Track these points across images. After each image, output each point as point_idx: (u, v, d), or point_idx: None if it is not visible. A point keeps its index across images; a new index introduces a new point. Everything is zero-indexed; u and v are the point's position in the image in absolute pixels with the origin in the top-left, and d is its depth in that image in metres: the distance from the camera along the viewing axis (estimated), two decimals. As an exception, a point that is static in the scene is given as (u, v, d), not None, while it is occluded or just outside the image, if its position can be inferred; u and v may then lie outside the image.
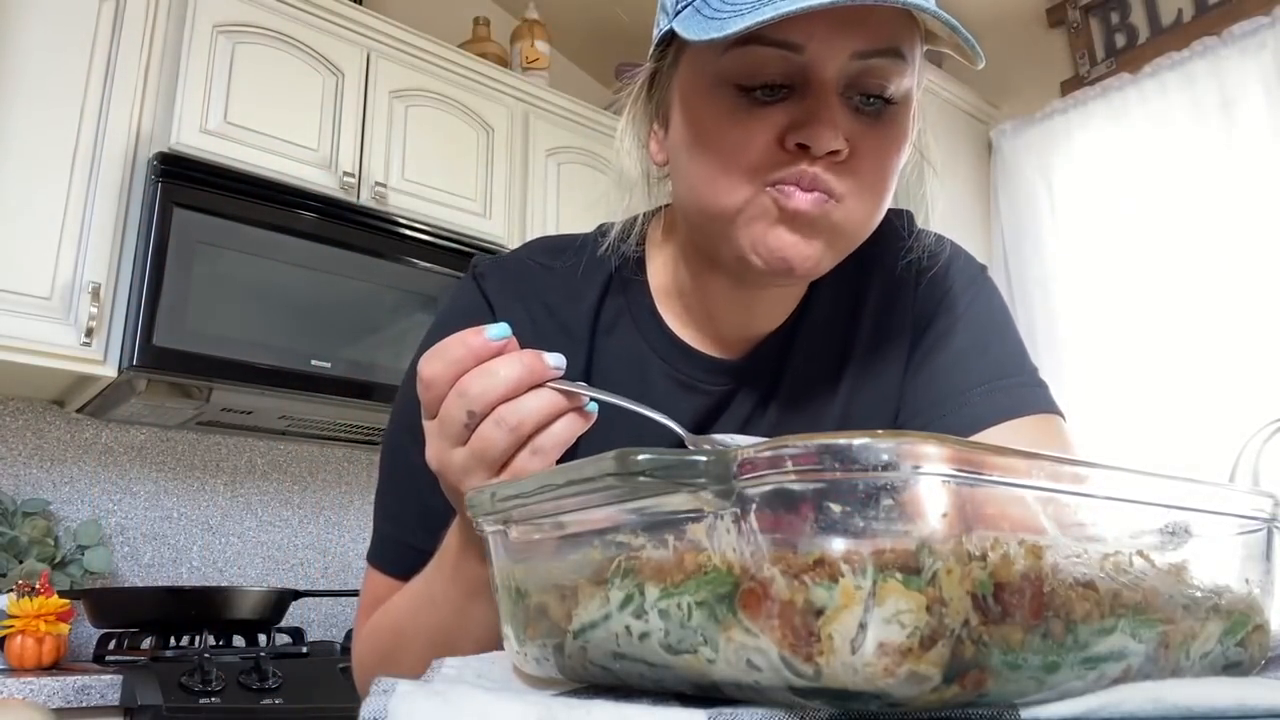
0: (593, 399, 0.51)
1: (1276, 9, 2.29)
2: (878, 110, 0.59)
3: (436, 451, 0.52)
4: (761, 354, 0.72)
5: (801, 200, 0.58)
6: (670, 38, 0.62)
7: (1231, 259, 2.27)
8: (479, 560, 0.57)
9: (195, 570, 2.24)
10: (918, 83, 0.62)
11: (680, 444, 0.68)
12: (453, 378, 0.50)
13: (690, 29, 0.55)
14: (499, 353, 0.50)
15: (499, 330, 0.50)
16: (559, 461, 0.54)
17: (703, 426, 0.71)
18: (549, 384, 0.50)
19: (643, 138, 0.69)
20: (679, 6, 0.59)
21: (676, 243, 0.72)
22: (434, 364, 0.51)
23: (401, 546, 0.71)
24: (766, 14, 0.50)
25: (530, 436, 0.49)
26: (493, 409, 0.49)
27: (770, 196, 0.58)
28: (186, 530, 2.25)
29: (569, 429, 0.50)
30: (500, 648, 0.61)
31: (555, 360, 0.50)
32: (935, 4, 0.56)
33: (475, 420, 0.49)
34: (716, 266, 0.67)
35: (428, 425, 0.53)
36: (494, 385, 0.49)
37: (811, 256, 0.60)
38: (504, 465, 0.50)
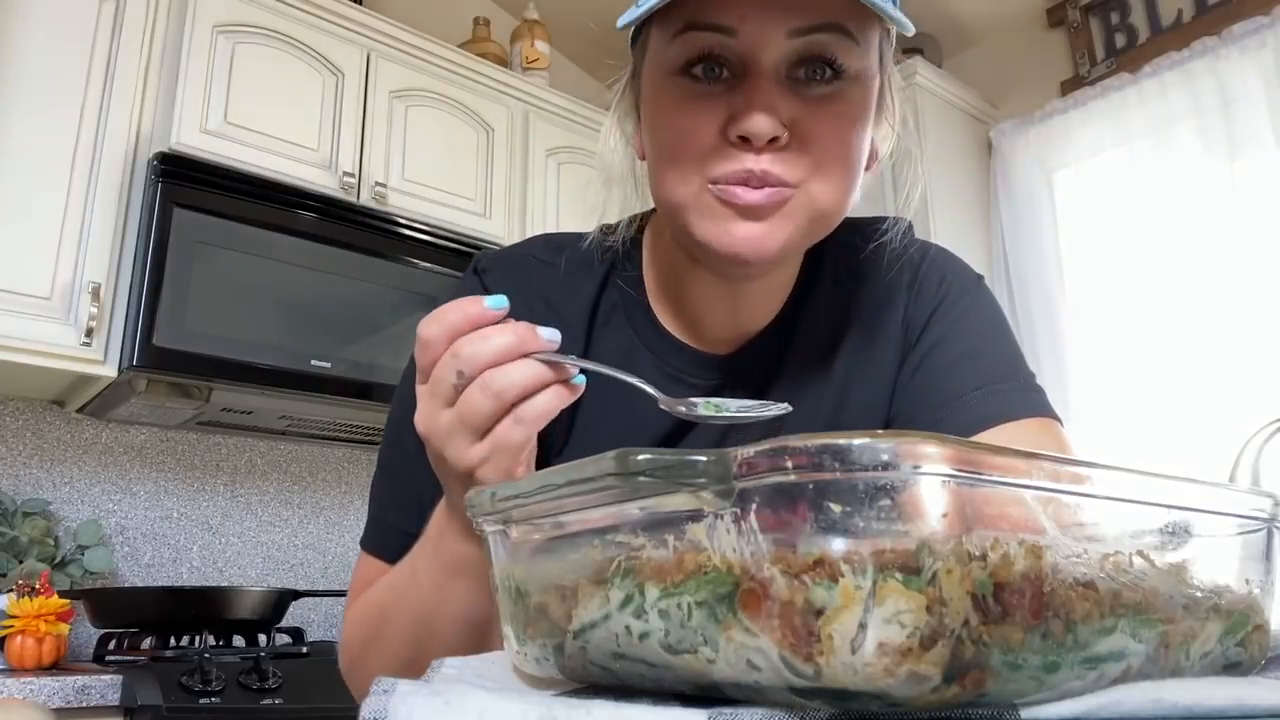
0: (580, 371, 0.53)
1: (1276, 9, 2.29)
2: (827, 89, 0.59)
3: (425, 414, 0.54)
4: (751, 352, 0.72)
5: (753, 197, 0.58)
6: (639, 36, 0.65)
7: (1232, 258, 2.27)
8: (460, 537, 0.58)
9: (195, 570, 2.24)
10: (882, 65, 0.62)
11: (678, 430, 0.69)
12: (448, 340, 0.52)
13: (622, 18, 0.59)
14: (495, 322, 0.52)
15: (497, 300, 0.53)
16: (543, 433, 0.55)
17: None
18: (535, 356, 0.51)
19: (629, 133, 0.71)
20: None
21: (666, 237, 0.72)
22: (432, 326, 0.53)
23: (394, 531, 0.71)
24: None
25: (514, 405, 0.51)
26: (481, 372, 0.51)
27: (714, 194, 0.59)
28: (186, 530, 2.25)
29: (553, 401, 0.52)
30: (479, 627, 0.61)
31: (548, 334, 0.52)
32: None
33: (464, 381, 0.51)
34: (698, 260, 0.67)
35: (420, 389, 0.54)
36: (484, 349, 0.51)
37: (769, 246, 0.60)
38: (487, 432, 0.52)
